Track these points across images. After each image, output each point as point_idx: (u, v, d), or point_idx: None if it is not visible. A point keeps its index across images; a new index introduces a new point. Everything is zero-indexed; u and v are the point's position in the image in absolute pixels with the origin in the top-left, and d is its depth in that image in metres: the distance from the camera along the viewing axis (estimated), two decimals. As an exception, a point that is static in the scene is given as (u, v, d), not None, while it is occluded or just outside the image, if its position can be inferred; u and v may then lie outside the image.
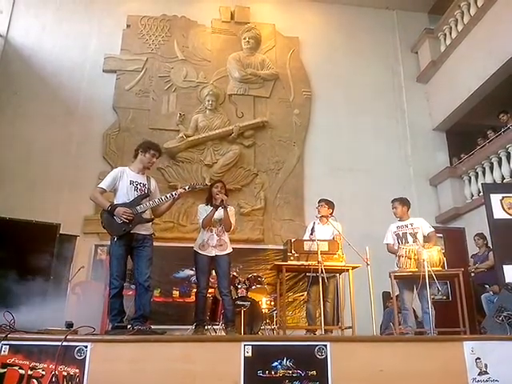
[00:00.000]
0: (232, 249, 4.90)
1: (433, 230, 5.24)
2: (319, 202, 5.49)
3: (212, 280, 5.17)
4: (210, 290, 5.22)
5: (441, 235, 6.81)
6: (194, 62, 9.06)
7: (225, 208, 4.80)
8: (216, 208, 4.79)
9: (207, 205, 4.90)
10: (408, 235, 5.14)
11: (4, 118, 7.97)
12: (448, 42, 9.21)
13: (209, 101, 8.63)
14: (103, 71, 8.72)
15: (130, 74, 8.72)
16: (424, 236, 5.12)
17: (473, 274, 6.53)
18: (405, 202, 5.34)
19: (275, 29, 9.55)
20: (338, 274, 5.32)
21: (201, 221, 4.83)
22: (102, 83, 8.62)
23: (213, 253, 4.75)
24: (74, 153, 8.05)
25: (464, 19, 8.73)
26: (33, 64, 8.50)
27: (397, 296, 5.17)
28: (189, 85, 8.86)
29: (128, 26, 9.06)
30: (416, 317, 5.44)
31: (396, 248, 5.14)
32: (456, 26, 9.01)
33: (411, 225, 5.20)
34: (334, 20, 9.87)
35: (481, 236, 6.55)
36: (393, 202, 5.38)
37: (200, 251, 4.77)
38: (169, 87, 8.78)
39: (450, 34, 9.19)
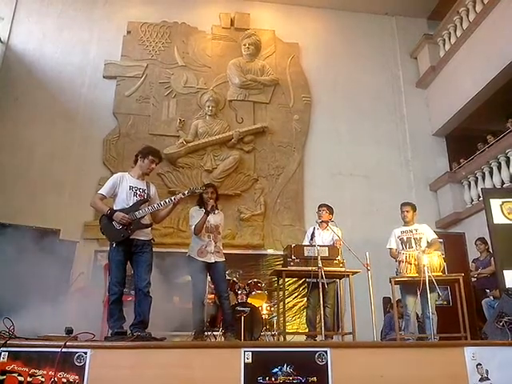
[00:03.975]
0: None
1: (436, 237, 5.21)
2: (320, 207, 5.48)
3: (212, 286, 5.16)
4: (209, 296, 5.21)
5: (441, 240, 6.79)
6: (194, 68, 9.09)
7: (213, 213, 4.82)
8: (207, 214, 4.77)
9: (200, 208, 4.88)
10: (412, 240, 5.13)
11: (5, 123, 7.98)
12: (447, 47, 9.25)
13: (209, 106, 8.66)
14: (103, 77, 8.74)
15: (130, 80, 8.74)
16: (427, 242, 5.11)
17: (474, 279, 6.52)
18: (415, 208, 5.33)
19: (275, 35, 9.59)
20: (338, 280, 5.31)
21: (193, 227, 4.81)
22: (103, 89, 8.65)
23: (212, 259, 4.75)
24: (74, 158, 8.07)
25: (463, 25, 8.78)
26: (33, 70, 8.53)
27: (397, 301, 5.15)
28: (189, 91, 8.88)
29: (128, 32, 9.10)
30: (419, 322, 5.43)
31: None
32: (455, 31, 9.05)
33: (416, 230, 5.19)
34: (334, 26, 9.92)
35: (482, 241, 6.53)
36: (404, 205, 5.34)
37: (198, 257, 4.74)
38: (169, 93, 8.80)
39: (449, 39, 9.23)
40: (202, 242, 4.79)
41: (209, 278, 4.92)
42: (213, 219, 4.84)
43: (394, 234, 5.28)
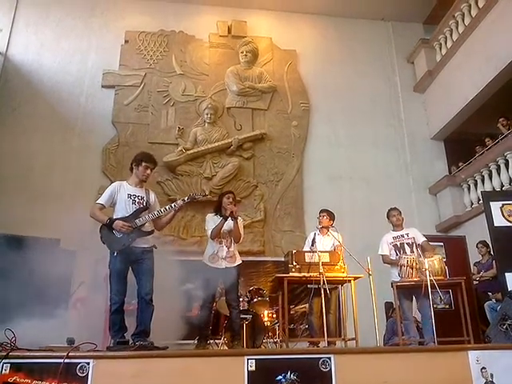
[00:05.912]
0: (241, 260, 4.92)
1: (425, 239, 5.22)
2: (320, 213, 5.47)
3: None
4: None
5: (441, 244, 6.79)
6: (192, 76, 9.12)
7: (235, 219, 4.81)
8: (225, 219, 4.79)
9: (215, 214, 4.90)
10: (406, 245, 5.13)
11: (4, 133, 7.98)
12: (444, 51, 9.30)
13: (207, 114, 8.68)
14: (102, 86, 8.77)
15: (128, 89, 8.77)
16: (418, 245, 5.11)
17: (476, 282, 6.50)
18: (401, 212, 5.35)
19: (272, 42, 9.64)
20: (339, 285, 5.29)
21: (209, 231, 4.83)
22: (101, 98, 8.67)
23: (223, 265, 4.76)
24: (73, 167, 8.06)
25: (459, 29, 8.83)
26: (32, 80, 8.55)
27: (399, 306, 5.13)
28: (187, 99, 8.91)
29: (126, 41, 9.14)
30: (418, 326, 5.41)
31: (393, 258, 5.12)
32: (451, 35, 9.10)
33: (407, 235, 5.20)
34: (331, 32, 9.97)
35: (484, 244, 6.50)
36: (393, 210, 5.35)
37: (209, 264, 4.77)
38: (167, 101, 8.83)
39: (446, 43, 9.28)
40: (214, 248, 4.83)
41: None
42: (226, 225, 4.84)
43: (386, 240, 5.27)
